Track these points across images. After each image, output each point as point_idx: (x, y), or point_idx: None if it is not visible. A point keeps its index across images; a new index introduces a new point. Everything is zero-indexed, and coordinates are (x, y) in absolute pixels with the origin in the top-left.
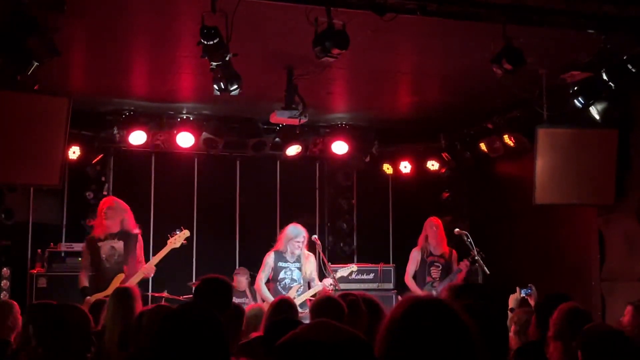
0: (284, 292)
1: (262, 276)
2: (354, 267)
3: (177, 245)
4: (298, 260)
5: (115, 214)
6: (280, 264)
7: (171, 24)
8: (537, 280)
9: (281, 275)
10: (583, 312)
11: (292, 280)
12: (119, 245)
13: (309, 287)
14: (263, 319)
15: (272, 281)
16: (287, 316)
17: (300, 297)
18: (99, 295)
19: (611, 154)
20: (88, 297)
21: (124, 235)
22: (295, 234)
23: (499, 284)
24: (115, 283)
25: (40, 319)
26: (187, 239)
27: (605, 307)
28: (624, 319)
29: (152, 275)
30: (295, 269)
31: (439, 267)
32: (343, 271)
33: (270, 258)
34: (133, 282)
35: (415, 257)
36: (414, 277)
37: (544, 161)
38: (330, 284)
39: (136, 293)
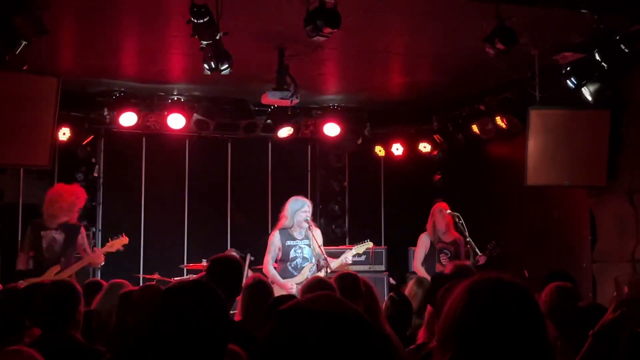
0: (295, 273)
1: (269, 258)
2: (369, 242)
3: (113, 250)
4: (307, 237)
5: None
6: (289, 242)
7: (161, 3)
8: (528, 262)
9: (292, 254)
10: (572, 289)
11: (304, 259)
12: (60, 237)
13: (318, 266)
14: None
15: (281, 261)
16: (264, 298)
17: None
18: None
19: (603, 135)
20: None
21: (66, 228)
22: (299, 205)
23: (490, 265)
24: (50, 273)
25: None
26: (177, 220)
27: (596, 288)
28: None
29: (100, 264)
30: (305, 247)
31: (447, 254)
32: (358, 248)
33: (275, 237)
34: (73, 270)
35: (424, 242)
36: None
37: (535, 142)
38: (346, 260)
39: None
